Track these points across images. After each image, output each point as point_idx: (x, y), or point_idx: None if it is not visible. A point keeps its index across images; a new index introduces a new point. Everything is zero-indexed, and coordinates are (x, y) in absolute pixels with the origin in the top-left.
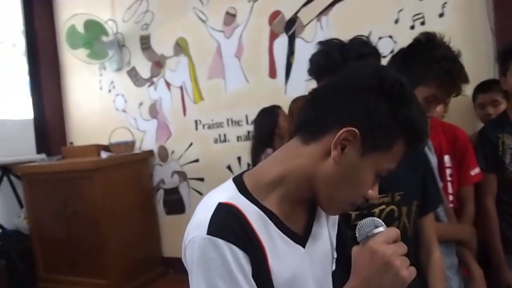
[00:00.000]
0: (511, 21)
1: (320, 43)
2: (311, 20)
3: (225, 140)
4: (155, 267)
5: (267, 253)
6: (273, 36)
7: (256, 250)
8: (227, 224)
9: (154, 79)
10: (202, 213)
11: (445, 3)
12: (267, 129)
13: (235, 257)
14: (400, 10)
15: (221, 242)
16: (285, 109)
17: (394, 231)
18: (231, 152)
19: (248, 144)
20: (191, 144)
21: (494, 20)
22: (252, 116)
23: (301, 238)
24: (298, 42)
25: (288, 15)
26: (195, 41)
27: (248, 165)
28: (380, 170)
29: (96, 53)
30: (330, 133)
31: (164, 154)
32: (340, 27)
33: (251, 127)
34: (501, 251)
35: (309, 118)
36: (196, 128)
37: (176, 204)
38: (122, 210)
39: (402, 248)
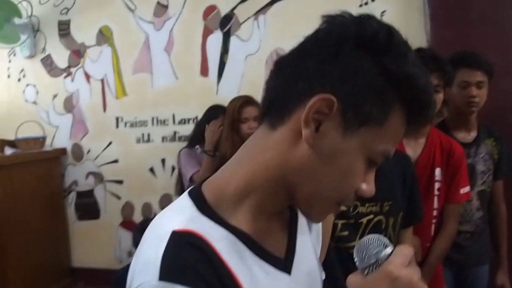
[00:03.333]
0: (446, 34)
1: None
2: (248, 18)
3: (148, 140)
4: (62, 278)
5: None
6: (207, 32)
7: None
8: (187, 262)
9: (72, 70)
10: (151, 247)
11: (383, 12)
12: (199, 126)
13: None
14: None
15: None
16: None
17: (409, 250)
18: (154, 153)
19: (174, 145)
20: (110, 143)
21: (430, 33)
22: (180, 115)
23: (284, 262)
24: (233, 40)
25: (224, 11)
26: (121, 31)
27: (173, 168)
28: (372, 153)
29: (6, 36)
30: (299, 108)
31: (78, 153)
32: (278, 27)
33: (178, 127)
34: None
35: (273, 95)
36: (117, 126)
37: (90, 209)
38: (26, 213)
39: (419, 269)
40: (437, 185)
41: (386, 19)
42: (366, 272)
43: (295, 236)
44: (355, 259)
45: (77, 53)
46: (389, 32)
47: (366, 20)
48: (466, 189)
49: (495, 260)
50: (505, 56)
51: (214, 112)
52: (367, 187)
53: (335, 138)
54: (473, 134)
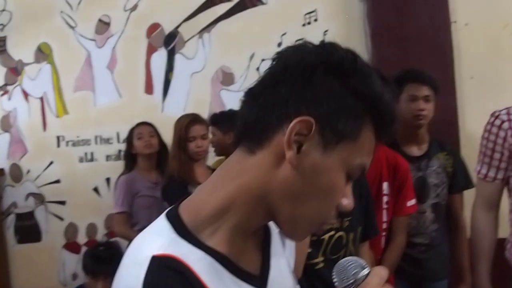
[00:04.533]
0: (386, 52)
1: None
2: (192, 36)
3: (92, 159)
4: None
5: None
6: (151, 50)
7: None
8: (167, 286)
9: (9, 88)
10: (132, 272)
11: (326, 31)
12: (126, 150)
13: None
14: (283, 34)
15: None
16: (163, 127)
17: (384, 271)
18: (98, 172)
19: (119, 164)
20: (51, 163)
21: (370, 50)
22: (125, 133)
23: (260, 279)
24: (178, 58)
25: (168, 29)
26: (61, 48)
27: None
28: (350, 167)
29: None
30: (278, 132)
31: (17, 174)
32: (223, 45)
33: (122, 146)
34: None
35: (249, 121)
36: (58, 145)
37: (31, 231)
38: None
39: None
40: (385, 199)
41: (328, 38)
42: None
43: (269, 252)
44: (334, 280)
45: (14, 70)
46: (354, 56)
47: (332, 47)
48: (413, 201)
49: (455, 275)
50: (443, 73)
51: (130, 132)
52: (347, 201)
53: (316, 156)
54: (424, 148)
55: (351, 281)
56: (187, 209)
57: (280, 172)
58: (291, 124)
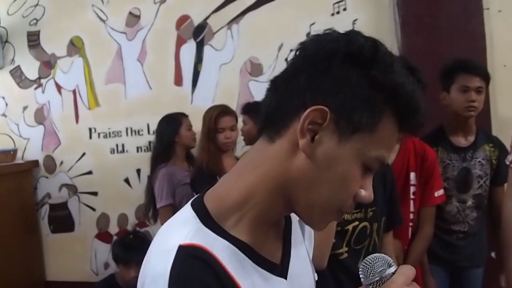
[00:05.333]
0: (417, 41)
1: None
2: (221, 28)
3: (123, 151)
4: None
5: None
6: (180, 42)
7: None
8: (195, 275)
9: (42, 81)
10: (159, 261)
11: (355, 20)
12: (167, 138)
13: None
14: (312, 24)
15: None
16: (192, 118)
17: (411, 270)
18: (129, 164)
19: (149, 156)
20: (83, 154)
21: (400, 40)
22: (155, 125)
23: (281, 268)
24: (206, 49)
25: (197, 20)
26: (92, 41)
27: (148, 178)
28: (367, 159)
29: None
30: (294, 121)
31: (51, 165)
32: (252, 36)
33: (152, 137)
34: None
35: (269, 110)
36: (90, 137)
37: (64, 221)
38: None
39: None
40: (412, 189)
41: (358, 27)
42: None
43: (289, 243)
44: (361, 276)
45: (48, 64)
46: (375, 45)
47: (353, 35)
48: (440, 192)
49: (494, 263)
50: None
51: (175, 119)
52: (366, 193)
53: (330, 146)
54: (471, 139)
55: (377, 279)
56: (211, 198)
57: (296, 161)
58: (305, 113)
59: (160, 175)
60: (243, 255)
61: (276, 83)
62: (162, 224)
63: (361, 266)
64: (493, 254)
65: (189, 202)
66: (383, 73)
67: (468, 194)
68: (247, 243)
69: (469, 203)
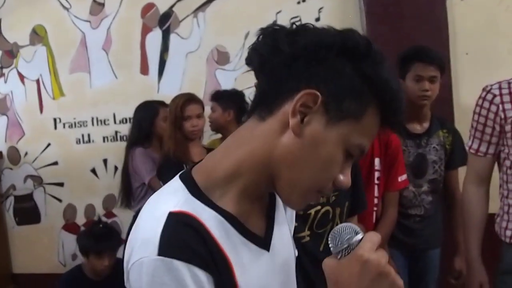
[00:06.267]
0: (381, 29)
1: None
2: (187, 16)
3: (89, 141)
4: (4, 285)
5: (233, 267)
6: (146, 30)
7: (220, 265)
8: (183, 240)
9: (5, 71)
10: (149, 226)
11: (321, 8)
12: (145, 128)
13: (195, 281)
14: (278, 12)
15: (177, 263)
16: None
17: (376, 236)
18: (96, 153)
19: (115, 145)
20: (48, 145)
21: (365, 28)
22: (121, 114)
23: (264, 240)
24: (173, 37)
25: (162, 8)
26: (55, 30)
27: (115, 168)
28: (350, 145)
29: None
30: (287, 101)
31: (15, 156)
32: (218, 25)
33: (119, 127)
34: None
35: (264, 91)
36: (55, 127)
37: (30, 213)
38: None
39: (386, 254)
40: (376, 174)
41: (324, 15)
42: (339, 256)
43: (273, 217)
44: (330, 245)
45: (9, 53)
46: (368, 43)
47: (350, 32)
48: (404, 177)
49: (451, 246)
50: (439, 49)
51: (153, 108)
52: (344, 178)
53: (317, 128)
54: (425, 125)
55: (345, 246)
56: (199, 172)
57: (283, 140)
58: (299, 95)
59: (137, 152)
60: (229, 225)
61: (270, 64)
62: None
63: (330, 236)
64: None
65: (177, 175)
66: (373, 68)
67: (423, 179)
68: (233, 214)
69: (425, 187)
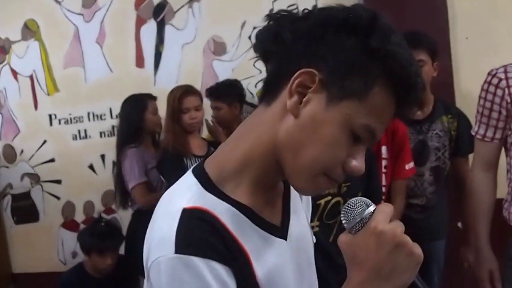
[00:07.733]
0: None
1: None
2: (182, 6)
3: (86, 137)
4: (4, 285)
5: (251, 258)
6: (140, 22)
7: (239, 258)
8: (200, 236)
9: None
10: (164, 223)
11: None
12: (134, 124)
13: (215, 275)
14: (275, 0)
15: (195, 260)
16: (156, 101)
17: (388, 207)
18: (93, 149)
19: (113, 140)
20: (44, 142)
21: None
22: (117, 109)
23: (281, 229)
24: (168, 29)
25: None
26: (48, 24)
27: (114, 163)
28: (355, 126)
29: None
30: (287, 84)
31: (11, 154)
32: (213, 14)
33: (116, 122)
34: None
35: (270, 75)
36: (51, 124)
37: (28, 212)
38: None
39: (401, 224)
40: (384, 163)
41: (321, 3)
42: (353, 231)
43: (289, 205)
44: (343, 221)
45: (1, 49)
46: (374, 16)
47: (353, 7)
48: (411, 164)
49: (458, 236)
50: (438, 34)
51: (140, 101)
52: (356, 162)
53: (317, 109)
54: (427, 111)
55: (358, 220)
56: (211, 165)
57: (284, 124)
58: (295, 75)
59: (129, 154)
60: (244, 217)
61: (277, 47)
62: (140, 203)
63: (342, 213)
64: (459, 224)
65: (190, 170)
66: (378, 42)
67: (425, 167)
68: (247, 205)
69: (426, 176)
